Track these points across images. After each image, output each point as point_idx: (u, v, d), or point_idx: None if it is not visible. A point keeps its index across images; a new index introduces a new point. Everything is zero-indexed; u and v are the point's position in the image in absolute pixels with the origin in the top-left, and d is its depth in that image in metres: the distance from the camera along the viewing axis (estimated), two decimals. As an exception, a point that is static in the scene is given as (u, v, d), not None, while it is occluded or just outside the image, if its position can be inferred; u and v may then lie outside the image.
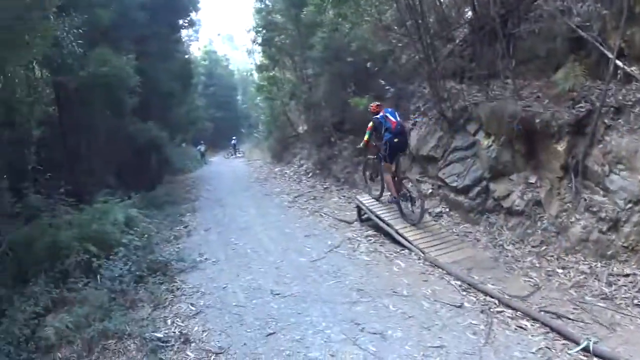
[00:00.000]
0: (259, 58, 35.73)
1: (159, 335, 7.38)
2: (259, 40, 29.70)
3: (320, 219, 13.85)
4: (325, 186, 19.14)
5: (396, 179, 11.68)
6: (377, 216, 11.67)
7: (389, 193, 11.96)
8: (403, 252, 10.16)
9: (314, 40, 20.24)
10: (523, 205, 10.09)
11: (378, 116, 11.77)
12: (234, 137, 49.99)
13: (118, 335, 7.39)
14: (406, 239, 10.41)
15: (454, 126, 12.62)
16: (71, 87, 15.78)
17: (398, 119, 11.46)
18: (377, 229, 11.73)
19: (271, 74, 30.29)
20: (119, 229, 11.26)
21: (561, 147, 9.54)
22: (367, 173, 14.29)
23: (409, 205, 11.41)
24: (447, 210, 12.21)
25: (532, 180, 10.22)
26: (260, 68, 33.32)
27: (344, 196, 16.73)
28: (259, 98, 36.92)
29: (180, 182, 27.99)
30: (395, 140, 11.27)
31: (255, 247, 11.68)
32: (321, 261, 10.01)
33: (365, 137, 12.52)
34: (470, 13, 13.53)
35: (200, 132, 46.93)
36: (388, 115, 11.47)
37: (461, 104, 12.46)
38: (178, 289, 9.43)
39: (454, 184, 11.95)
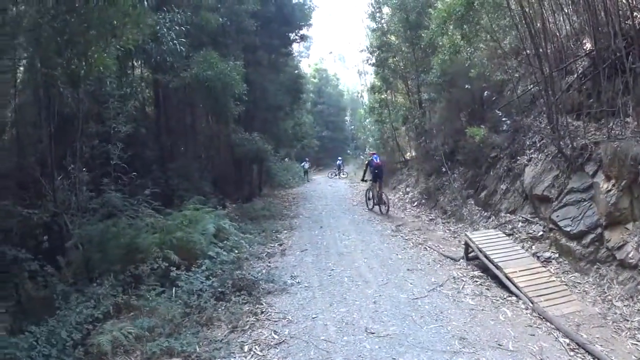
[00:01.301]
0: (370, 79, 35.77)
1: None
2: (372, 60, 29.73)
3: (424, 253, 13.24)
4: (430, 217, 18.57)
5: (378, 192, 20.38)
6: (485, 256, 10.98)
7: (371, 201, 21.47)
8: (510, 299, 9.46)
9: (432, 63, 19.77)
10: (637, 259, 9.17)
11: (371, 158, 20.98)
12: (339, 158, 49.94)
13: (185, 355, 7.11)
14: (515, 285, 9.72)
15: (572, 166, 11.85)
16: (172, 86, 16.03)
17: (378, 160, 20.45)
18: (485, 269, 11.08)
19: (383, 96, 30.42)
20: (207, 240, 11.01)
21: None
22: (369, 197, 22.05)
23: (382, 207, 20.20)
24: (557, 255, 11.36)
25: None
26: (372, 89, 33.03)
27: (449, 230, 16.11)
28: (367, 120, 37.06)
29: (279, 197, 28.09)
30: (376, 171, 20.05)
31: (353, 276, 11.24)
32: (423, 300, 9.43)
33: (363, 171, 21.99)
34: (589, 44, 12.67)
35: (305, 149, 46.95)
36: (373, 158, 20.60)
37: (580, 141, 11.73)
38: (262, 312, 9.04)
39: (567, 229, 11.09)
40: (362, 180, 21.91)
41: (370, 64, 31.00)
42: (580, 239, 10.71)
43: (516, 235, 12.94)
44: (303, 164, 44.87)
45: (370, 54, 29.52)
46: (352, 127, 69.88)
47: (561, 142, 12.22)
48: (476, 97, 17.58)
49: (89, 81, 10.57)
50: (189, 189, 16.24)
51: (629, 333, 7.95)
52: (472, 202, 17.00)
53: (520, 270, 10.20)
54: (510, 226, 13.60)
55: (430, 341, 7.59)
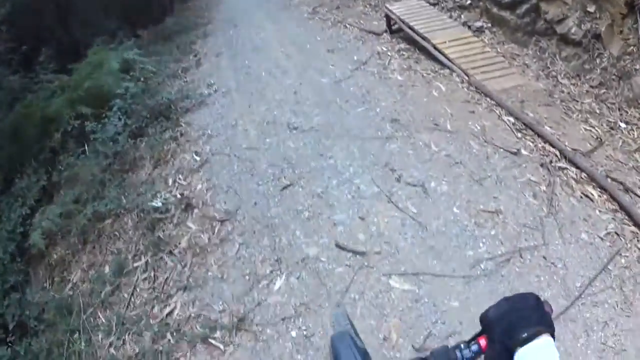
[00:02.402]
0: None
1: (157, 204, 6.17)
2: None
3: (344, 31, 12.03)
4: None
5: None
6: (410, 27, 9.98)
7: None
8: (443, 72, 8.67)
9: None
10: (580, 36, 8.52)
11: None
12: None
13: (114, 213, 6.35)
14: (446, 57, 8.89)
15: None
16: None
17: None
18: (411, 42, 10.10)
19: None
20: (115, 78, 9.61)
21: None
22: None
23: None
24: (490, 25, 10.45)
25: (591, 9, 8.52)
26: None
27: (370, 4, 14.69)
28: None
29: (193, 8, 25.85)
30: None
31: (270, 68, 10.11)
32: (347, 82, 8.55)
33: None
34: None
35: None
36: None
37: None
38: (182, 134, 8.09)
39: None
40: None
41: None
42: (514, 8, 9.81)
43: (442, 5, 11.79)
44: None
45: None
46: None
47: None
48: None
49: None
50: (95, 33, 14.35)
51: (580, 116, 7.38)
52: None
53: (450, 41, 9.33)
54: None
55: (359, 127, 6.87)
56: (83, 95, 8.88)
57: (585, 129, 6.99)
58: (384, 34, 11.11)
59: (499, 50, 9.54)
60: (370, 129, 6.73)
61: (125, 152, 7.70)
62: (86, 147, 7.90)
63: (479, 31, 10.34)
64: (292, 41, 11.91)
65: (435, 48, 9.14)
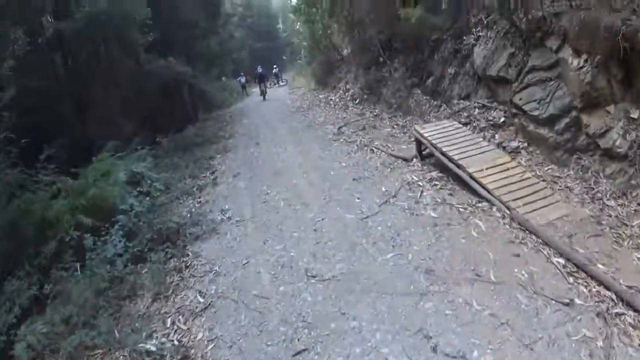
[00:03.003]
0: None
1: (152, 348, 5.44)
2: None
3: (371, 156, 11.41)
4: (375, 113, 16.56)
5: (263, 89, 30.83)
6: (442, 153, 9.24)
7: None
8: (481, 205, 7.82)
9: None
10: (626, 148, 7.75)
11: (259, 71, 32.37)
12: (275, 66, 46.77)
13: (103, 347, 5.70)
14: (484, 187, 8.06)
15: (530, 41, 10.10)
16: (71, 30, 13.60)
17: (261, 70, 32.50)
18: (444, 168, 9.36)
19: None
20: (120, 191, 9.07)
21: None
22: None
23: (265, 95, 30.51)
24: (526, 145, 9.72)
25: (635, 115, 7.87)
26: (296, -12, 30.14)
27: (397, 125, 14.24)
28: (298, 23, 34.72)
29: (216, 119, 25.67)
30: (259, 77, 31.49)
31: (290, 197, 9.46)
32: (374, 219, 7.72)
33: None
34: None
35: (240, 63, 44.57)
36: (258, 70, 32.51)
37: (536, 14, 9.83)
38: (187, 266, 7.39)
39: (535, 113, 9.43)
40: (261, 91, 32.38)
41: None
42: (552, 124, 9.13)
43: (474, 124, 11.24)
44: (239, 79, 41.77)
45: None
46: (286, 33, 66.98)
47: (513, 16, 10.54)
48: None
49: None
50: (109, 135, 13.85)
51: (631, 243, 6.44)
52: (419, 91, 15.10)
53: (487, 168, 8.53)
54: (465, 114, 11.86)
55: (388, 279, 5.94)
56: (85, 205, 8.41)
57: (638, 258, 6.05)
58: (414, 160, 10.47)
59: (538, 172, 8.73)
60: (402, 281, 5.82)
61: (124, 277, 7.08)
62: (82, 265, 7.30)
63: (515, 152, 9.63)
64: (315, 166, 11.39)
65: (472, 177, 8.35)
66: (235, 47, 41.52)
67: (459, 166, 8.71)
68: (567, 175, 8.50)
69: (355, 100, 19.40)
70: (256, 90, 39.01)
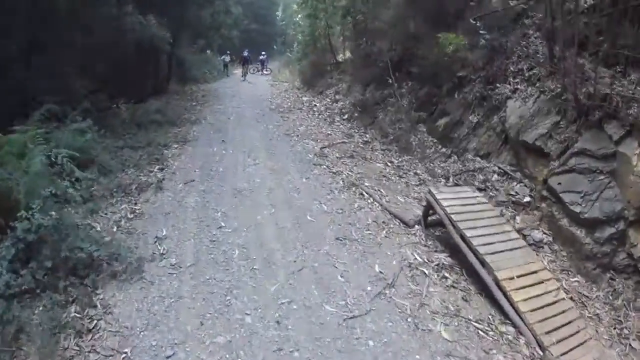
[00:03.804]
0: None
1: None
2: None
3: (360, 204, 9.01)
4: (365, 139, 14.30)
5: (244, 72, 34.60)
6: (461, 235, 6.95)
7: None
8: (505, 329, 5.76)
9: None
10: None
11: (245, 54, 35.52)
12: (263, 52, 44.71)
13: None
14: (514, 307, 5.95)
15: (585, 118, 8.43)
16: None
17: (246, 54, 35.62)
18: (453, 248, 7.24)
19: None
20: (32, 183, 6.48)
21: None
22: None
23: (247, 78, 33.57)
24: (551, 240, 7.88)
25: None
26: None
27: (392, 162, 12.04)
28: (299, 15, 33.16)
29: (187, 94, 23.09)
30: (244, 60, 35.13)
31: (249, 246, 7.03)
32: (363, 324, 5.42)
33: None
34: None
35: (228, 41, 42.08)
36: (244, 53, 35.73)
37: (601, 89, 8.25)
38: (91, 329, 5.03)
39: (575, 208, 7.62)
40: (243, 73, 34.94)
41: None
42: (593, 229, 7.42)
43: (491, 193, 9.20)
44: (223, 57, 40.19)
45: None
46: (283, 22, 65.27)
47: (565, 80, 8.98)
48: None
49: None
50: (56, 91, 11.10)
51: None
52: (424, 128, 13.07)
53: (518, 276, 6.41)
54: (481, 177, 9.90)
55: None
56: None
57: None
58: (417, 227, 8.15)
59: (564, 284, 6.94)
60: None
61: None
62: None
63: (537, 247, 7.70)
64: (289, 199, 9.04)
65: (499, 286, 6.16)
66: (227, 22, 38.74)
67: (483, 264, 6.46)
68: (597, 296, 6.89)
69: (344, 116, 17.23)
70: (237, 72, 38.45)
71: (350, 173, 10.72)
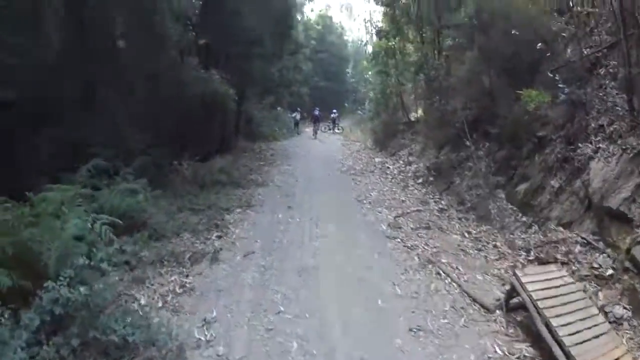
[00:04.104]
0: (378, 23, 31.51)
1: None
2: None
3: (437, 284, 8.30)
4: (441, 205, 13.65)
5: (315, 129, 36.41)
6: (547, 324, 6.21)
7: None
8: None
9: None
10: None
11: (315, 113, 37.37)
12: (334, 111, 44.40)
13: None
14: None
15: None
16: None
17: (317, 113, 37.29)
18: (536, 337, 6.43)
19: (391, 43, 25.70)
20: (64, 247, 6.16)
21: None
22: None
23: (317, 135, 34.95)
24: (630, 314, 7.00)
25: None
26: (378, 34, 28.44)
27: (469, 232, 11.32)
28: (370, 72, 34.14)
29: (256, 153, 23.04)
30: (315, 119, 37.00)
31: (310, 337, 6.39)
32: None
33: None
34: None
35: (298, 97, 43.71)
36: (315, 111, 37.72)
37: None
38: None
39: None
40: (314, 131, 36.23)
41: (377, 2, 26.90)
42: None
43: (573, 267, 8.38)
44: (294, 114, 40.22)
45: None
46: (353, 79, 65.79)
47: None
48: (522, 49, 12.53)
49: None
50: (111, 141, 10.83)
51: None
52: (503, 195, 12.28)
53: None
54: (564, 248, 8.97)
55: None
56: (9, 254, 5.76)
57: None
58: (497, 312, 7.36)
59: None
60: None
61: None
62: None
63: (617, 323, 6.93)
64: (358, 279, 8.38)
65: None
66: (296, 79, 40.28)
67: (568, 356, 5.70)
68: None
69: (418, 179, 16.65)
70: (308, 130, 39.35)
71: (426, 247, 10.07)
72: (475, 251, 10.19)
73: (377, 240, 10.42)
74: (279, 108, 39.97)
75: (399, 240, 10.44)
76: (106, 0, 11.59)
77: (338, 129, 41.71)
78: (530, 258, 9.45)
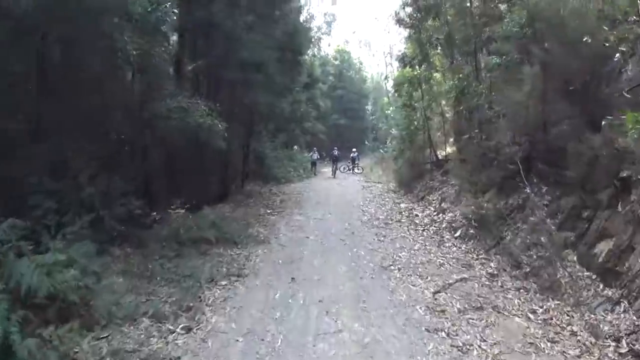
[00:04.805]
0: (402, 49, 29.32)
1: None
2: (404, 15, 22.44)
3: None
4: (490, 270, 10.52)
5: (334, 169, 36.33)
6: None
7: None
8: None
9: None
10: None
11: (334, 153, 36.93)
12: (354, 150, 42.57)
13: None
14: None
15: None
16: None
17: (336, 152, 36.88)
18: None
19: (416, 72, 23.10)
20: None
21: None
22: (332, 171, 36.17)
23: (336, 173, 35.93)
24: None
25: None
26: (402, 60, 25.35)
27: (534, 313, 8.21)
28: (391, 108, 31.82)
29: (265, 198, 20.28)
30: (334, 158, 36.52)
31: None
32: None
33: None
34: None
35: (317, 135, 43.37)
36: (334, 151, 37.34)
37: None
38: None
39: None
40: (333, 171, 36.10)
41: (401, 23, 23.51)
42: None
43: None
44: (311, 153, 38.92)
45: (403, 8, 22.41)
46: (373, 116, 63.79)
47: None
48: (588, 64, 9.76)
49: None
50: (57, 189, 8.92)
51: None
52: (575, 257, 9.30)
53: None
54: None
55: None
56: None
57: None
58: None
59: None
60: None
61: None
62: None
63: None
64: None
65: None
66: (310, 114, 39.80)
67: None
68: None
69: (455, 232, 13.59)
70: (326, 170, 38.46)
71: (482, 345, 6.97)
72: (549, 343, 7.13)
73: (414, 337, 7.23)
74: (295, 147, 38.94)
75: (444, 334, 7.32)
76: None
77: (358, 169, 40.10)
78: (622, 350, 6.72)
